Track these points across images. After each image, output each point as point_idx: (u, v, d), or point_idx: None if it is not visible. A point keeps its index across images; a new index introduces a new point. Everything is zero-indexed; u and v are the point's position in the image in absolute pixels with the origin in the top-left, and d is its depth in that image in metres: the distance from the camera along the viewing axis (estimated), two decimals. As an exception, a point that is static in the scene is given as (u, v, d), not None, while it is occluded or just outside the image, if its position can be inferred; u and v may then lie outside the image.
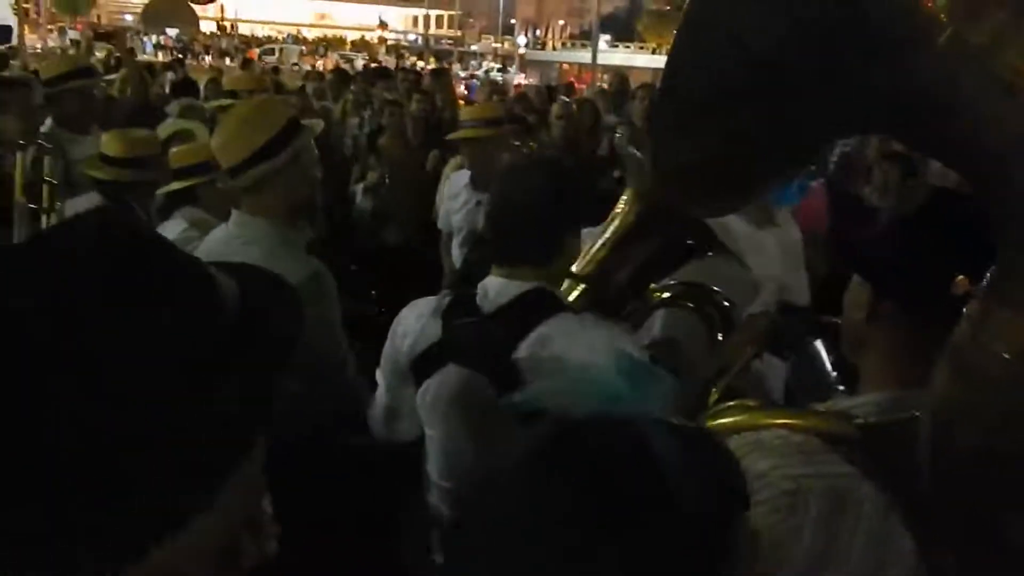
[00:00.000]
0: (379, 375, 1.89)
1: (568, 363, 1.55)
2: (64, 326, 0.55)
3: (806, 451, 1.10)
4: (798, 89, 0.97)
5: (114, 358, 0.56)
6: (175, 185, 2.82)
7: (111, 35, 13.36)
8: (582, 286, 1.92)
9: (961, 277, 1.05)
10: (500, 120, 3.88)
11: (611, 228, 2.04)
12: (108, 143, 2.98)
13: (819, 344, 1.93)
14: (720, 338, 2.03)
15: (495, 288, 1.72)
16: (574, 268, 1.99)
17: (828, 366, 1.90)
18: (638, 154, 2.04)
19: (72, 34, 26.00)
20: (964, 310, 0.94)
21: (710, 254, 1.92)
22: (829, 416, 1.18)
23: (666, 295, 2.13)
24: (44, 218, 3.13)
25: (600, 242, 2.02)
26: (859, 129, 1.06)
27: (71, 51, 15.53)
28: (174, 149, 2.94)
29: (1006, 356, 0.88)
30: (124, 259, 0.60)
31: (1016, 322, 0.88)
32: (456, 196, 3.87)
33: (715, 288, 2.20)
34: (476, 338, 1.69)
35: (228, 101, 4.43)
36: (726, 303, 2.13)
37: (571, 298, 1.90)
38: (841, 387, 1.65)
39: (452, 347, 1.69)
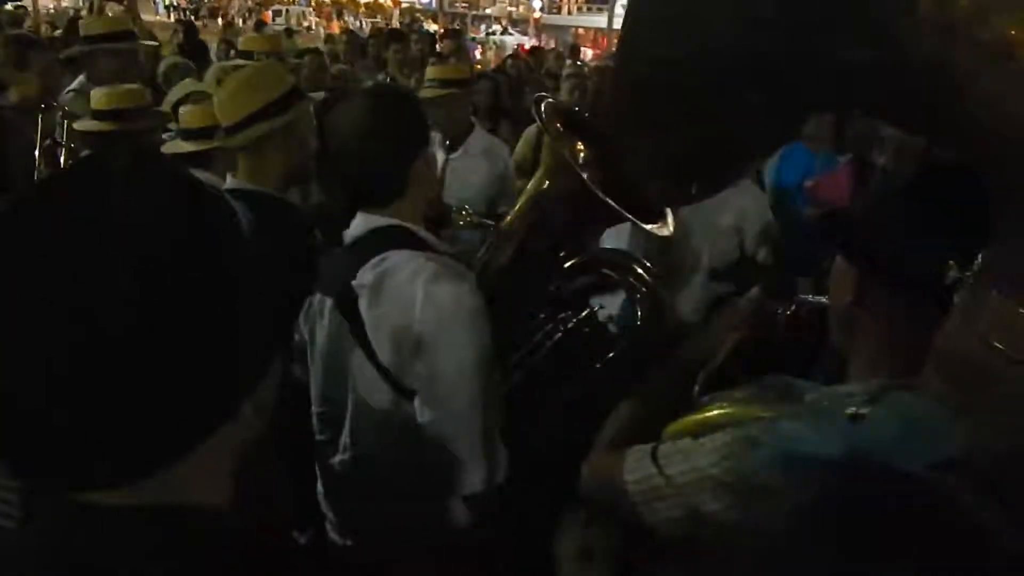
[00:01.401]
0: None
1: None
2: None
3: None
4: (771, 65, 0.92)
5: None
6: (186, 147, 2.78)
7: None
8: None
9: (951, 262, 0.99)
10: (465, 81, 3.83)
11: (530, 185, 2.09)
12: (96, 98, 2.99)
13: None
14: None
15: (354, 224, 1.83)
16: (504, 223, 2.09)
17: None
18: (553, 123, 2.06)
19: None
20: (955, 296, 0.90)
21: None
22: (819, 407, 1.13)
23: (578, 260, 2.15)
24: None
25: (522, 199, 2.07)
26: (841, 106, 1.00)
27: (83, 12, 15.47)
28: (184, 108, 2.90)
29: (998, 345, 0.83)
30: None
31: (1008, 308, 0.83)
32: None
33: (638, 257, 2.22)
34: (327, 267, 1.86)
35: (242, 62, 4.42)
36: (648, 273, 2.15)
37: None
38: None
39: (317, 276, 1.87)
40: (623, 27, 1.08)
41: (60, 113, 3.49)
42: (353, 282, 1.75)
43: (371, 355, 1.74)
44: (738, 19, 0.93)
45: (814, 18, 0.88)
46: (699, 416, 1.30)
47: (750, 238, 3.39)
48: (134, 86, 3.24)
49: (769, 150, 1.52)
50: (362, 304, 1.74)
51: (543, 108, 2.07)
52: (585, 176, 1.91)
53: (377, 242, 1.77)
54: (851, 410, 1.07)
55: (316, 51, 6.04)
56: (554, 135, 2.04)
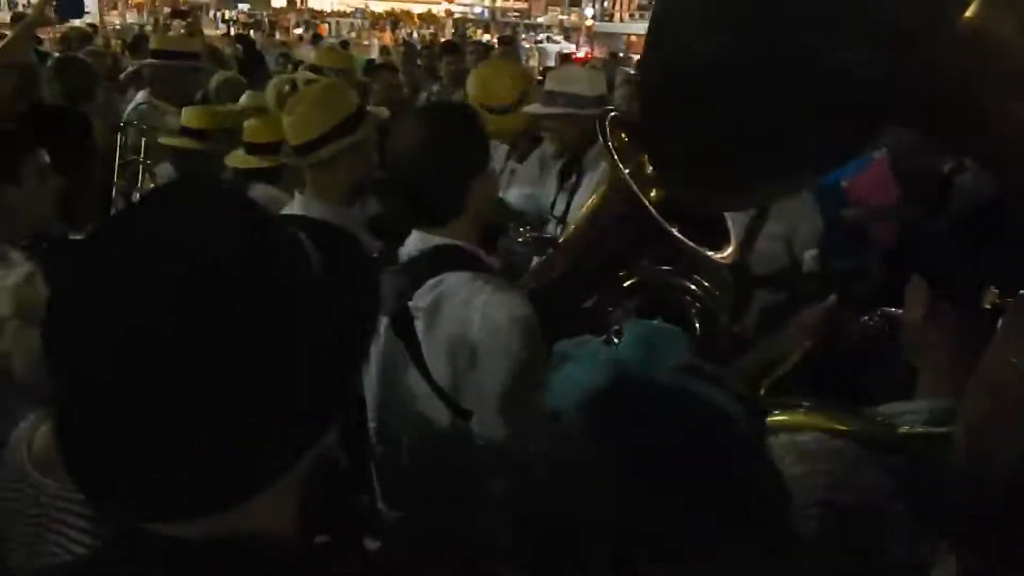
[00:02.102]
0: None
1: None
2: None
3: (844, 458, 1.06)
4: (800, 74, 0.91)
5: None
6: (252, 161, 2.84)
7: (186, 14, 14.07)
8: None
9: (994, 288, 0.99)
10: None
11: (590, 202, 2.05)
12: (188, 116, 3.07)
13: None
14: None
15: (410, 242, 1.82)
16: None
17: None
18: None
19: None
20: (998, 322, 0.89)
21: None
22: (873, 422, 1.12)
23: (635, 280, 2.11)
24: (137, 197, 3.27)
25: (581, 216, 2.03)
26: (874, 119, 0.98)
27: (147, 28, 16.01)
28: (249, 123, 2.97)
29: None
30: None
31: None
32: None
33: (693, 276, 2.18)
34: (383, 285, 1.82)
35: (310, 75, 4.52)
36: (702, 291, 2.10)
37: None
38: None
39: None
40: (675, 29, 1.07)
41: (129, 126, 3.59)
42: (410, 303, 1.76)
43: (427, 375, 1.76)
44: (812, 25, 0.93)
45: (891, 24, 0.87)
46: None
47: (799, 245, 3.34)
48: (225, 108, 3.33)
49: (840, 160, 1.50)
50: (419, 326, 1.75)
51: (607, 123, 2.05)
52: (649, 195, 1.86)
53: (433, 262, 1.78)
54: (904, 429, 1.09)
55: (390, 68, 6.12)
56: (616, 151, 2.01)
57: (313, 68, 4.86)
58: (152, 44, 4.34)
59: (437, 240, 1.80)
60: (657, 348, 1.15)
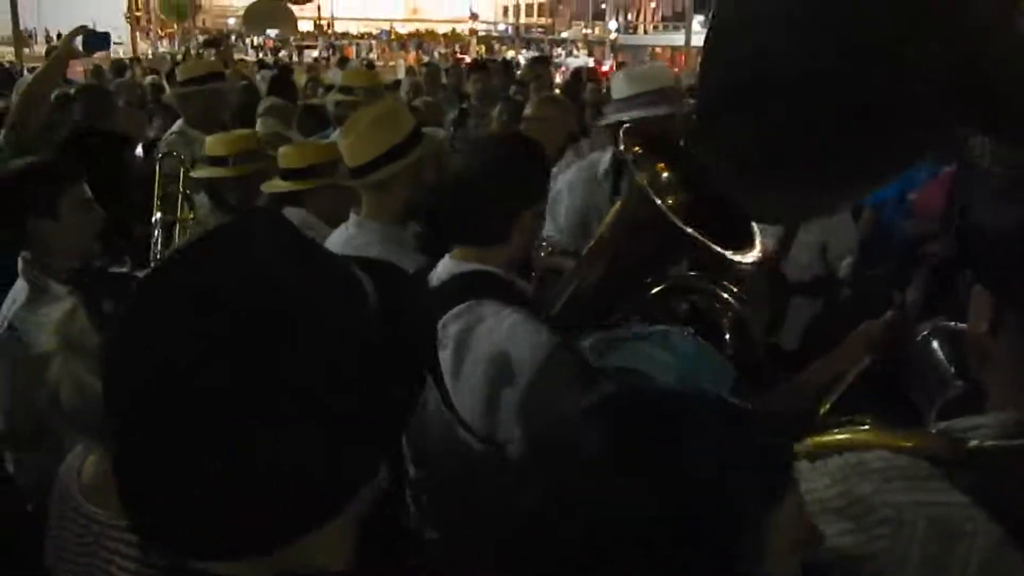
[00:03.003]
0: None
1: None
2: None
3: (911, 476, 1.02)
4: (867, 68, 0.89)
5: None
6: (285, 186, 2.89)
7: (218, 43, 14.38)
8: None
9: None
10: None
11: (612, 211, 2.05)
12: (211, 145, 3.13)
13: (936, 345, 1.78)
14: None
15: (443, 266, 1.80)
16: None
17: (951, 371, 1.75)
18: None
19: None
20: None
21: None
22: (940, 438, 1.08)
23: (664, 286, 2.09)
24: (178, 227, 3.33)
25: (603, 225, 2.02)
26: (939, 114, 0.95)
27: (179, 56, 16.35)
28: (284, 149, 3.01)
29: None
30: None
31: None
32: None
33: (722, 282, 2.15)
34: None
35: (341, 97, 4.63)
36: (734, 297, 2.07)
37: None
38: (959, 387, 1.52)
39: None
40: (730, 41, 1.06)
41: (165, 156, 3.66)
42: (438, 328, 1.72)
43: (448, 402, 1.75)
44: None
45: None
46: (821, 439, 1.26)
47: (835, 254, 3.31)
48: (245, 131, 3.40)
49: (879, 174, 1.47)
50: (444, 353, 1.73)
51: (622, 134, 2.05)
52: (668, 202, 1.86)
53: (464, 289, 1.76)
54: (974, 443, 1.04)
55: (396, 85, 6.17)
56: (633, 161, 2.01)
57: (343, 89, 4.91)
58: (178, 76, 4.43)
59: (471, 266, 1.79)
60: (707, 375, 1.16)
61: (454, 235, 1.81)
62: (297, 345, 0.61)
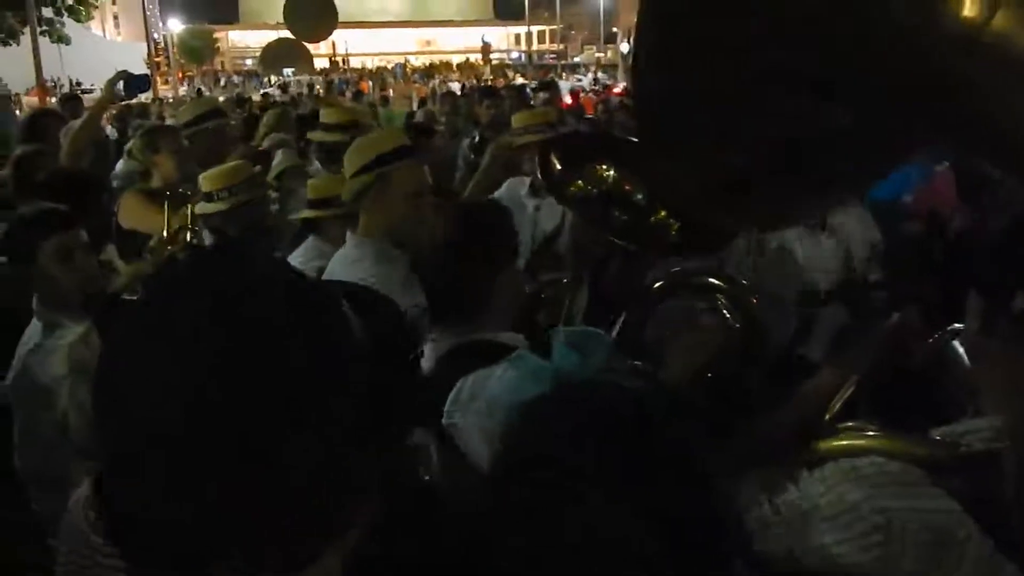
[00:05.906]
0: None
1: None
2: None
3: (903, 482, 1.01)
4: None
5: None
6: (305, 213, 3.08)
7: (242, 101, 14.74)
8: None
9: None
10: (551, 125, 3.80)
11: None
12: (204, 182, 3.20)
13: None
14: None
15: (437, 337, 1.79)
16: None
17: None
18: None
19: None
20: None
21: None
22: (933, 443, 1.08)
23: (670, 282, 2.07)
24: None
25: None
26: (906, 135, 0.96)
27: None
28: (314, 180, 3.16)
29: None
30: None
31: None
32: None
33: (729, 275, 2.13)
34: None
35: (321, 136, 4.53)
36: (741, 290, 2.05)
37: None
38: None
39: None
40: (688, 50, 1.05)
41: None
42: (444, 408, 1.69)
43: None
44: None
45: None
46: (827, 444, 1.24)
47: (858, 258, 3.27)
48: (237, 163, 3.47)
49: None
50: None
51: (536, 159, 2.07)
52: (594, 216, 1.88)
53: (453, 368, 1.71)
54: (965, 448, 1.04)
55: (427, 131, 6.18)
56: (552, 182, 2.02)
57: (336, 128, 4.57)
58: (180, 119, 4.47)
59: (456, 340, 1.77)
60: (586, 352, 1.29)
61: (437, 313, 1.82)
62: (285, 366, 0.61)
